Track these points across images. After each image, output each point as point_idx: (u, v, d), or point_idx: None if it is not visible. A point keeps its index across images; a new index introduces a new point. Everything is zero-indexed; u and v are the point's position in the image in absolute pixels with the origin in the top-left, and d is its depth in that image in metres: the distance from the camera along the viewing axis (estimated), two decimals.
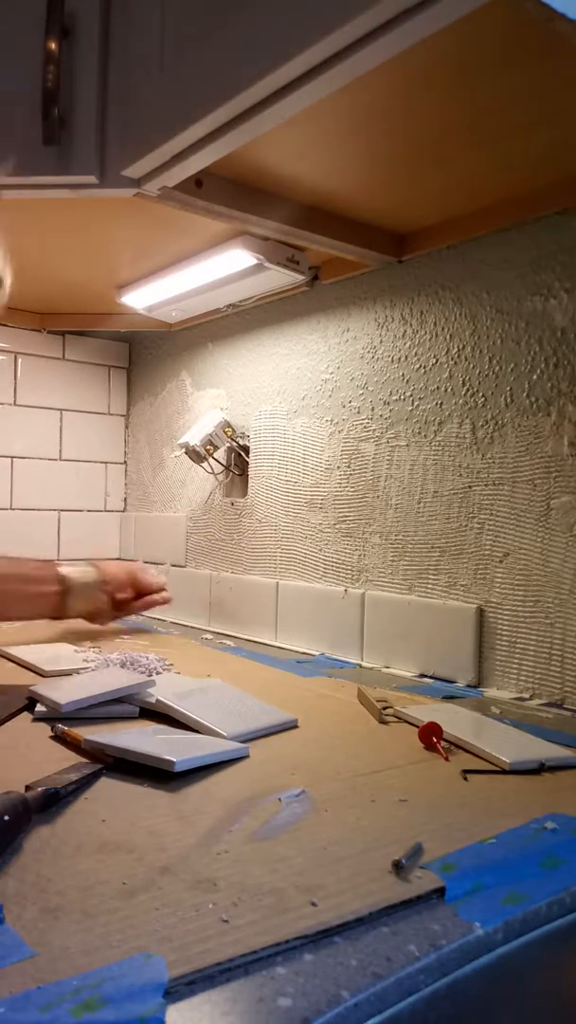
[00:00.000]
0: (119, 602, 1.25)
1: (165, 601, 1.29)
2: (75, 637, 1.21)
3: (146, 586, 1.27)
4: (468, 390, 0.99)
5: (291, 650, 1.20)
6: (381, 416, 1.11)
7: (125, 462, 1.70)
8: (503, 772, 0.64)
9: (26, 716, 0.78)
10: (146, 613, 1.34)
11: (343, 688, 0.93)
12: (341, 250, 1.05)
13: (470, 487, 0.98)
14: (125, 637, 1.25)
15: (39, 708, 0.79)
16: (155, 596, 1.28)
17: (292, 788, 0.58)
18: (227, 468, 1.38)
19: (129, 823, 0.52)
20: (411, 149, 0.82)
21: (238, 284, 1.17)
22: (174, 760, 0.60)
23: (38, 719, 0.77)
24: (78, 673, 0.94)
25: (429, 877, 0.44)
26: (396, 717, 0.80)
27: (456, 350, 1.01)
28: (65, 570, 1.17)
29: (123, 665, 0.99)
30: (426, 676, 1.01)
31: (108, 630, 1.27)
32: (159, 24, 0.72)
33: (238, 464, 1.37)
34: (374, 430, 1.11)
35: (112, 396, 1.67)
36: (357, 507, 1.14)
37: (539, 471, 0.91)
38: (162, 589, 1.29)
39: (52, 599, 1.15)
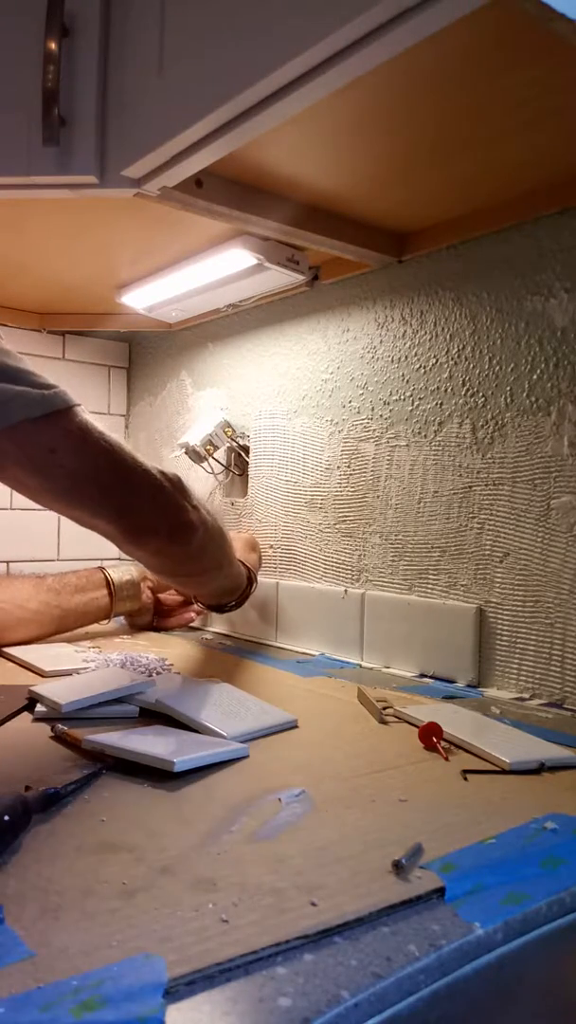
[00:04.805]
0: (160, 603, 1.31)
1: (199, 613, 1.33)
2: (75, 637, 1.21)
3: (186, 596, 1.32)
4: (468, 390, 0.99)
5: (291, 650, 1.20)
6: (381, 416, 1.11)
7: None
8: (503, 772, 0.64)
9: (26, 716, 0.78)
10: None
11: (343, 688, 0.93)
12: (341, 250, 1.05)
13: (470, 487, 0.98)
14: (125, 637, 1.25)
15: (39, 708, 0.79)
16: (192, 608, 1.33)
17: (292, 788, 0.58)
18: (227, 468, 1.38)
19: (129, 823, 0.52)
20: (411, 149, 0.82)
21: (238, 284, 1.17)
22: (174, 760, 0.60)
23: (38, 719, 0.77)
24: (78, 673, 0.94)
25: (429, 877, 0.44)
26: (396, 717, 0.80)
27: (456, 350, 1.01)
28: (109, 573, 1.23)
29: (123, 665, 0.99)
30: (426, 676, 1.01)
31: (109, 630, 1.27)
32: (159, 23, 0.72)
33: (238, 464, 1.37)
34: (374, 430, 1.11)
35: (112, 396, 1.67)
36: (357, 507, 1.14)
37: (539, 471, 0.91)
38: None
39: (103, 603, 1.21)
